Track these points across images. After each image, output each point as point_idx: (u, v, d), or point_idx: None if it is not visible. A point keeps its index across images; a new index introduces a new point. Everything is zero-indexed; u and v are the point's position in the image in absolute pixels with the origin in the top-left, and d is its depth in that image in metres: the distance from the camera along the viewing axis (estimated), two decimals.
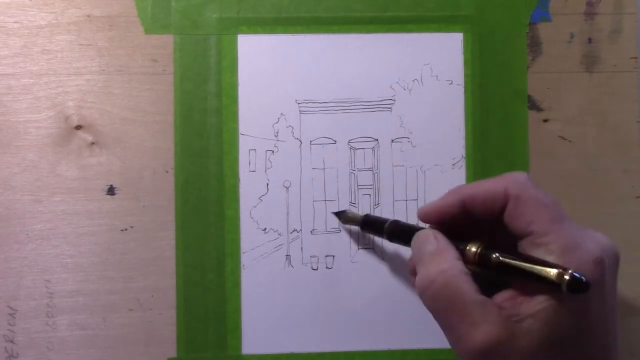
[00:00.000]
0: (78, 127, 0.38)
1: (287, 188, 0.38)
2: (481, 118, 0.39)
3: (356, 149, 0.39)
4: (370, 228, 0.37)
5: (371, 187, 0.39)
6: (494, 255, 0.29)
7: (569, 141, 0.39)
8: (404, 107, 0.39)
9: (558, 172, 0.39)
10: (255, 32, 0.38)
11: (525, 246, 0.29)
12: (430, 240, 0.31)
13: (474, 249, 0.30)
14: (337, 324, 0.38)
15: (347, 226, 0.38)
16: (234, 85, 0.38)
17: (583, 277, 0.26)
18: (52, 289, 0.37)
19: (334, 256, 0.38)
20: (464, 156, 0.39)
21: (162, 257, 0.38)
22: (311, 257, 0.38)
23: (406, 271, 0.38)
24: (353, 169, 0.39)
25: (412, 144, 0.39)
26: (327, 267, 0.38)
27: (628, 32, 0.39)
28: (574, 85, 0.39)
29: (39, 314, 0.37)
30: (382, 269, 0.38)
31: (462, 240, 0.30)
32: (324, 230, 0.38)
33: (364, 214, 0.37)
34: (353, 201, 0.38)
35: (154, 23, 0.38)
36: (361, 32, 0.39)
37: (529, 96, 0.39)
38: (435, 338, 0.38)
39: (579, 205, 0.39)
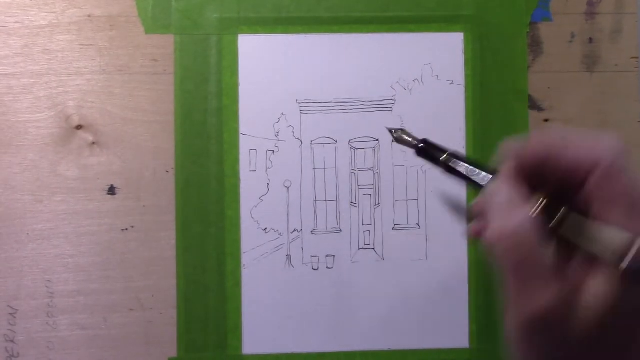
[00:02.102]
0: (79, 127, 0.38)
1: (288, 188, 0.38)
2: (482, 118, 0.39)
3: (357, 148, 0.38)
4: (425, 156, 0.34)
5: (372, 187, 0.39)
6: (562, 209, 0.27)
7: None
8: (405, 107, 0.39)
9: None
10: (256, 32, 0.38)
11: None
12: (507, 189, 0.29)
13: (540, 199, 0.28)
14: (337, 323, 0.38)
15: (403, 145, 0.35)
16: (234, 85, 0.38)
17: None
18: (53, 288, 0.37)
19: (334, 256, 0.38)
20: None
21: (162, 257, 0.38)
22: (312, 257, 0.38)
23: (406, 271, 0.38)
24: (354, 168, 0.39)
25: None
26: (327, 267, 0.38)
27: (629, 32, 0.39)
28: (575, 84, 0.39)
29: (40, 314, 0.37)
30: (382, 269, 0.38)
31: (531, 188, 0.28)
32: (325, 230, 0.38)
33: (420, 140, 0.34)
34: (353, 201, 0.38)
35: (154, 23, 0.38)
36: (362, 32, 0.39)
37: (529, 96, 0.39)
38: (435, 338, 0.38)
39: None
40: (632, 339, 0.27)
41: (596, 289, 0.26)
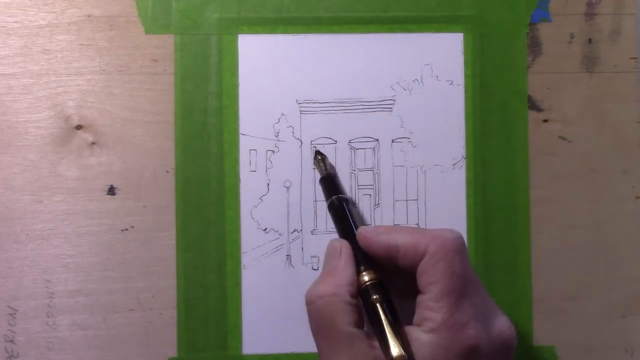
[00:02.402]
0: (78, 127, 0.38)
1: (288, 188, 0.38)
2: (481, 118, 0.39)
3: (356, 149, 0.39)
4: (323, 187, 0.37)
5: (371, 187, 0.39)
6: (373, 297, 0.30)
7: (569, 141, 0.39)
8: (405, 107, 0.39)
9: (558, 172, 0.39)
10: (256, 32, 0.38)
11: (419, 302, 0.29)
12: (335, 255, 0.32)
13: (365, 278, 0.31)
14: None
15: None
16: (234, 85, 0.38)
17: None
18: (53, 289, 0.37)
19: None
20: (464, 156, 0.39)
21: (162, 257, 0.38)
22: (312, 257, 0.38)
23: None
24: (353, 169, 0.39)
25: (412, 144, 0.39)
26: None
27: (628, 33, 0.39)
28: (574, 85, 0.39)
29: (40, 314, 0.37)
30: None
31: (370, 265, 0.31)
32: (325, 230, 0.38)
33: (328, 173, 0.37)
34: (353, 201, 0.38)
35: (154, 23, 0.38)
36: (362, 32, 0.39)
37: (529, 96, 0.39)
38: None
39: (579, 206, 0.39)
40: None
41: None
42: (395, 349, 0.27)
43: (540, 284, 0.38)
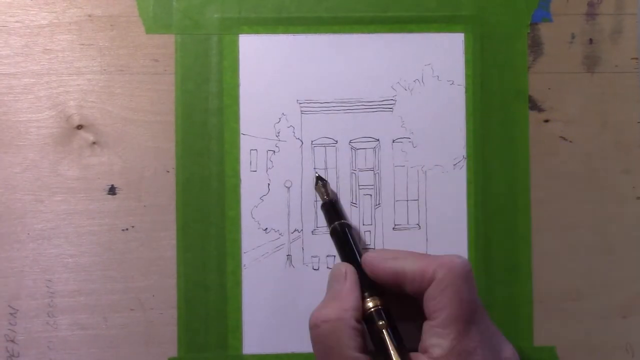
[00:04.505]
0: (79, 127, 0.38)
1: (289, 188, 0.38)
2: (482, 118, 0.39)
3: (357, 149, 0.39)
4: (325, 212, 0.37)
5: (372, 187, 0.39)
6: (379, 323, 0.30)
7: (570, 142, 0.39)
8: (405, 108, 0.39)
9: (558, 172, 0.39)
10: (257, 32, 0.38)
11: (425, 329, 0.29)
12: (340, 278, 0.32)
13: (370, 304, 0.31)
14: None
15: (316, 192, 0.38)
16: (235, 85, 0.38)
17: None
18: (53, 288, 0.37)
19: (335, 256, 0.38)
20: (465, 156, 0.39)
21: (163, 257, 0.38)
22: (312, 257, 0.38)
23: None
24: (354, 169, 0.39)
25: (413, 144, 0.39)
26: (328, 267, 0.38)
27: (629, 33, 0.39)
28: (575, 85, 0.39)
29: (40, 314, 0.37)
30: None
31: (374, 290, 0.32)
32: (325, 230, 0.38)
33: (329, 199, 0.37)
34: (354, 201, 0.38)
35: (155, 23, 0.38)
36: (362, 32, 0.39)
37: (530, 96, 0.39)
38: None
39: (579, 206, 0.39)
40: None
41: None
42: None
43: (541, 284, 0.38)
